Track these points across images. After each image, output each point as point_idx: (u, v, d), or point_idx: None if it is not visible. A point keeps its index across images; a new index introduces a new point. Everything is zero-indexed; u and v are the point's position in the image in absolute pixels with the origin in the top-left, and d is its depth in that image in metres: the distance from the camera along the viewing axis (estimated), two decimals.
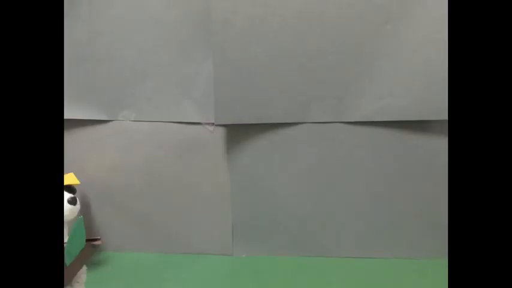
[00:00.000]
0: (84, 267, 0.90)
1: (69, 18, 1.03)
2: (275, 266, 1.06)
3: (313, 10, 0.98)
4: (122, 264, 1.10)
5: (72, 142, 1.11)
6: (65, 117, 1.06)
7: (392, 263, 1.06)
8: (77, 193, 1.09)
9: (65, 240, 0.86)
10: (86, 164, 1.12)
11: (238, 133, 1.09)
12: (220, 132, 1.10)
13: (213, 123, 1.10)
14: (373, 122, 1.03)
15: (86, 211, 1.14)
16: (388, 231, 1.10)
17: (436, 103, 0.98)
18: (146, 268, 1.06)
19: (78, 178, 1.11)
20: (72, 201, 1.02)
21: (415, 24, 0.96)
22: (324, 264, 1.06)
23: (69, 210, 1.02)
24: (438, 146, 1.04)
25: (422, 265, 1.06)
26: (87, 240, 0.73)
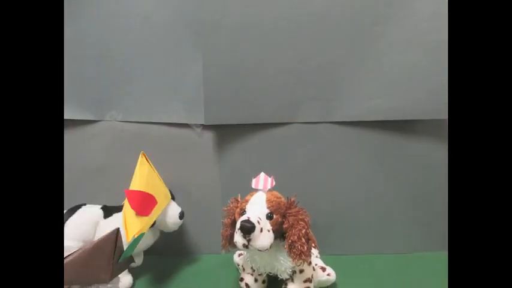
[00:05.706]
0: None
1: None
2: None
3: (302, 11, 1.00)
4: None
5: None
6: None
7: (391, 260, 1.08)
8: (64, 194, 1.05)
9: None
10: (73, 164, 1.10)
11: (227, 134, 1.10)
12: (210, 133, 1.10)
13: (201, 125, 1.09)
14: (362, 122, 1.05)
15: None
16: (377, 230, 1.11)
17: (423, 103, 1.01)
18: (139, 269, 1.04)
19: (65, 178, 1.09)
20: (182, 216, 1.01)
21: (403, 25, 0.98)
22: None
23: (177, 225, 1.01)
24: (424, 145, 1.06)
25: (419, 260, 1.07)
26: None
